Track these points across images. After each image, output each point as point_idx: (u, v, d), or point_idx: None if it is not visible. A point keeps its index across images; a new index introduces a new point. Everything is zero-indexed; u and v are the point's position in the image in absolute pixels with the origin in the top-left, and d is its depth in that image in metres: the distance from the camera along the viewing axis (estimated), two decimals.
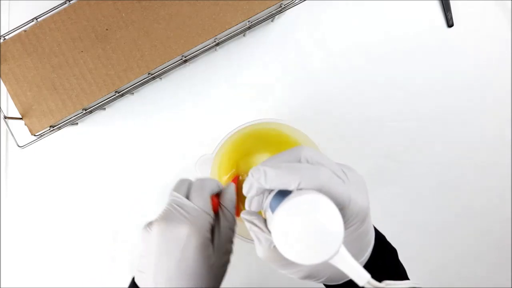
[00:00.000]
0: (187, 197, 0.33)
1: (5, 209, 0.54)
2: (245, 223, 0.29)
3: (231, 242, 0.34)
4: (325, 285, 0.32)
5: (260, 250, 0.28)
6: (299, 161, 0.27)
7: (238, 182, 0.48)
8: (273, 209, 0.25)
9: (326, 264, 0.23)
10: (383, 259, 0.31)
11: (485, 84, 0.56)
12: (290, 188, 0.25)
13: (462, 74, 0.56)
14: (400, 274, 0.32)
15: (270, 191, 0.27)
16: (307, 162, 0.27)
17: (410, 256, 0.56)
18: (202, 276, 0.31)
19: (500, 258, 0.55)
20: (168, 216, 0.31)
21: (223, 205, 0.35)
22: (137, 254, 0.33)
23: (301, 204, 0.23)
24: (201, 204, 0.32)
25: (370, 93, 0.55)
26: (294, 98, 0.55)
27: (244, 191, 0.27)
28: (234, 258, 0.53)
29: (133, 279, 0.33)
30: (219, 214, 0.34)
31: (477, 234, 0.55)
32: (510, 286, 0.54)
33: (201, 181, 0.34)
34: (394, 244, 0.34)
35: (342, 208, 0.26)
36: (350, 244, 0.27)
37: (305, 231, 0.22)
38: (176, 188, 0.34)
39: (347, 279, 0.30)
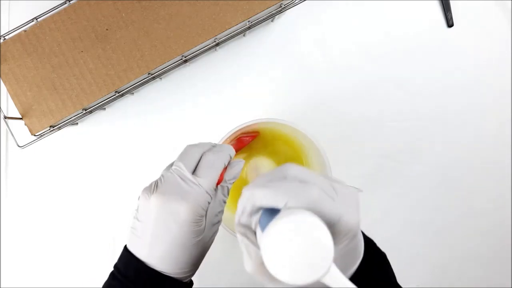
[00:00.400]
0: (195, 169, 0.32)
1: (5, 209, 0.54)
2: (237, 235, 0.28)
3: (221, 212, 0.35)
4: None
5: (249, 264, 0.27)
6: (287, 179, 0.27)
7: (240, 142, 0.47)
8: (262, 226, 0.24)
9: (316, 283, 0.23)
10: (374, 268, 0.31)
11: (485, 84, 0.56)
12: (278, 207, 0.25)
13: (462, 74, 0.56)
14: (389, 280, 0.32)
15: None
16: (296, 179, 0.27)
17: (410, 256, 0.56)
18: (193, 247, 0.32)
19: (500, 258, 0.55)
20: (169, 190, 0.31)
21: (226, 181, 0.35)
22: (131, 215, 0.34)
23: (290, 224, 0.22)
24: (206, 185, 0.32)
25: (370, 93, 0.55)
26: (294, 98, 0.55)
27: (238, 213, 0.27)
28: (234, 258, 0.53)
29: (125, 246, 0.34)
30: (218, 187, 0.34)
31: (477, 234, 0.55)
32: (510, 286, 0.54)
33: (215, 156, 0.33)
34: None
35: (332, 225, 0.25)
36: (340, 259, 0.27)
37: (295, 251, 0.22)
38: (184, 158, 0.33)
39: None
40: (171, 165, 0.34)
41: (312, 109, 0.55)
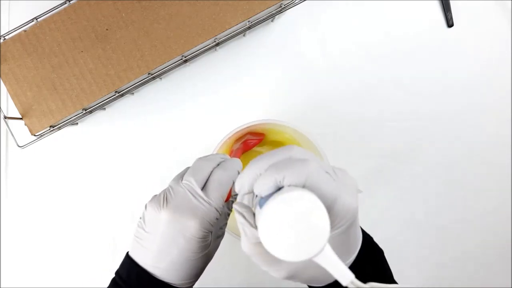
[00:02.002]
0: (204, 185, 0.33)
1: (5, 209, 0.54)
2: (235, 214, 0.29)
3: (225, 225, 0.36)
4: (309, 286, 0.32)
5: (246, 244, 0.28)
6: (290, 159, 0.27)
7: (246, 145, 0.47)
8: (261, 206, 0.25)
9: (310, 264, 0.23)
10: (371, 261, 0.31)
11: (485, 84, 0.56)
12: (277, 184, 0.25)
13: (462, 74, 0.56)
14: (387, 277, 0.32)
15: None
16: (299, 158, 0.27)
17: (410, 256, 0.56)
18: (198, 260, 0.33)
19: (500, 258, 0.55)
20: (180, 205, 0.32)
21: (232, 196, 0.35)
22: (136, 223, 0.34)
23: (288, 201, 0.23)
24: (216, 202, 0.32)
25: (370, 93, 0.55)
26: (294, 98, 0.55)
27: (236, 189, 0.28)
28: (233, 258, 0.53)
29: (128, 253, 0.34)
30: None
31: (477, 234, 0.55)
32: (510, 286, 0.54)
33: (224, 174, 0.33)
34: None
35: (329, 205, 0.25)
36: (337, 245, 0.27)
37: (291, 227, 0.22)
38: (195, 173, 0.33)
39: (331, 281, 0.30)
40: (180, 176, 0.34)
41: (312, 109, 0.55)
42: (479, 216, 0.55)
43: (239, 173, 0.35)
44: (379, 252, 0.33)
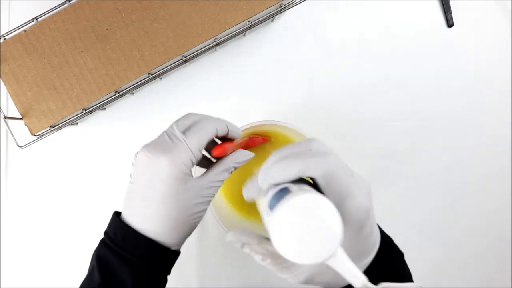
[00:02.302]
0: (184, 131, 0.32)
1: (5, 209, 0.54)
2: (236, 244, 0.29)
3: (211, 194, 0.33)
4: None
5: (259, 258, 0.28)
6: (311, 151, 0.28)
7: (251, 140, 0.47)
8: (272, 207, 0.25)
9: (325, 268, 0.23)
10: (390, 263, 0.31)
11: (485, 84, 0.56)
12: (296, 173, 0.26)
13: (462, 74, 0.56)
14: (406, 278, 0.32)
15: (271, 188, 0.27)
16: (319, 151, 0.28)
17: (410, 256, 0.56)
18: (178, 211, 0.31)
19: (500, 258, 0.55)
20: (154, 146, 0.31)
21: (227, 163, 0.34)
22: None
23: (300, 203, 0.23)
24: (190, 142, 0.31)
25: (370, 93, 0.55)
26: (294, 98, 0.55)
27: (260, 180, 0.28)
28: (234, 258, 0.53)
29: (114, 212, 0.34)
30: (217, 160, 0.34)
31: (477, 234, 0.55)
32: (510, 286, 0.54)
33: (208, 121, 0.32)
34: None
35: (343, 200, 0.26)
36: (351, 246, 0.27)
37: (303, 230, 0.22)
38: (178, 121, 0.33)
39: (347, 284, 0.30)
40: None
41: (312, 109, 0.55)
42: (479, 216, 0.55)
43: (227, 127, 0.34)
44: (399, 254, 0.33)
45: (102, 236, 0.35)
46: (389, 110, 0.55)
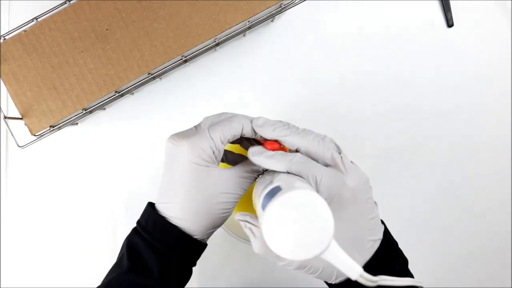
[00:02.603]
0: (211, 125, 0.33)
1: (5, 209, 0.54)
2: (240, 223, 0.29)
3: (238, 182, 0.33)
4: (327, 284, 0.32)
5: (256, 245, 0.29)
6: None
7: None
8: (264, 207, 0.25)
9: (319, 258, 0.23)
10: (390, 262, 0.31)
11: (485, 84, 0.56)
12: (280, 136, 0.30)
13: (462, 74, 0.56)
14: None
15: (264, 188, 0.28)
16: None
17: (410, 256, 0.56)
18: (200, 197, 0.31)
19: (500, 258, 0.55)
20: (180, 133, 0.33)
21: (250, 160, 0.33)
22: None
23: (289, 200, 0.23)
24: (212, 131, 0.31)
25: (370, 93, 0.55)
26: (294, 98, 0.55)
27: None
28: (234, 258, 0.53)
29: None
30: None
31: (477, 234, 0.55)
32: (510, 287, 0.54)
33: (232, 119, 0.32)
34: None
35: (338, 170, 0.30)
36: (358, 220, 0.28)
37: (295, 226, 0.22)
38: (209, 116, 0.34)
39: (343, 278, 0.30)
40: None
41: (312, 108, 0.55)
42: (479, 216, 0.55)
43: (254, 130, 0.33)
44: (403, 260, 0.33)
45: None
46: (389, 110, 0.55)
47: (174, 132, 0.33)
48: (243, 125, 0.32)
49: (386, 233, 0.32)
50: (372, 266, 0.29)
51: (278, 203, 0.23)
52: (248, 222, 0.29)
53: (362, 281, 0.23)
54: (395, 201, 0.55)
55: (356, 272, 0.23)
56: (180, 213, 0.32)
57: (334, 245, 0.23)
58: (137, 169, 0.54)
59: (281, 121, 0.32)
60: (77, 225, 0.54)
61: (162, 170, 0.33)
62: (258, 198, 0.28)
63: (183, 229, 0.32)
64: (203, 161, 0.31)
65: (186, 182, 0.31)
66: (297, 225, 0.22)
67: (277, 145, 0.32)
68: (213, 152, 0.32)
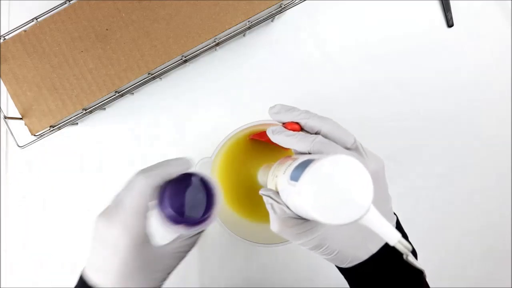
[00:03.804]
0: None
1: (5, 209, 0.54)
2: (263, 198, 0.30)
3: (173, 259, 0.34)
4: (338, 268, 0.33)
5: (275, 223, 0.29)
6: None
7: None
8: (296, 178, 0.24)
9: (337, 232, 0.23)
10: (405, 276, 0.31)
11: (485, 84, 0.56)
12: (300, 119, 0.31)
13: (462, 74, 0.56)
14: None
15: (289, 165, 0.28)
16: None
17: None
18: (138, 276, 0.31)
19: (500, 258, 0.55)
20: (107, 213, 0.31)
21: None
22: None
23: (328, 165, 0.22)
24: (130, 205, 0.30)
25: (370, 93, 0.55)
26: (294, 98, 0.55)
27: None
28: (234, 258, 0.53)
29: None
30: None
31: (477, 234, 0.55)
32: (510, 287, 0.54)
33: (141, 178, 0.31)
34: None
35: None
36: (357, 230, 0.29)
37: (336, 191, 0.22)
38: (127, 180, 0.32)
39: (356, 263, 0.30)
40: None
41: (312, 108, 0.54)
42: (479, 216, 0.55)
43: (162, 178, 0.32)
44: (414, 253, 0.33)
45: None
46: (389, 110, 0.55)
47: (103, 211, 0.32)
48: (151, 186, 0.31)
49: (398, 223, 0.32)
50: (385, 254, 0.30)
51: (317, 167, 0.22)
52: (271, 198, 0.29)
53: (399, 246, 0.23)
54: (395, 201, 0.55)
55: (394, 238, 0.23)
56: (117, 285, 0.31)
57: (374, 210, 0.23)
58: (137, 169, 0.54)
59: (297, 107, 0.32)
60: (77, 225, 0.54)
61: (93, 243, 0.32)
62: (282, 175, 0.28)
63: None
64: (140, 239, 0.30)
65: (122, 265, 0.30)
66: (338, 189, 0.22)
67: (298, 126, 0.32)
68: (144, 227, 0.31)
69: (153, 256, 0.32)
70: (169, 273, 0.33)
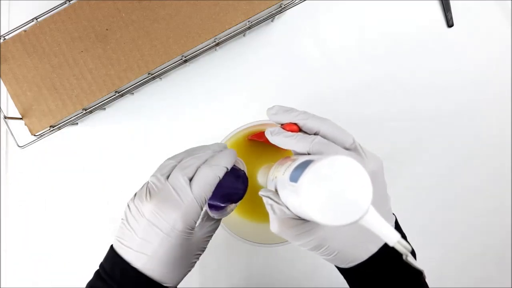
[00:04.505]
0: (191, 179, 0.32)
1: (5, 209, 0.54)
2: (263, 199, 0.30)
3: (210, 234, 0.37)
4: (338, 268, 0.33)
5: (275, 223, 0.29)
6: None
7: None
8: (295, 179, 0.24)
9: (337, 232, 0.23)
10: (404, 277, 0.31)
11: (485, 84, 0.56)
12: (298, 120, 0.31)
13: (462, 74, 0.56)
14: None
15: (289, 166, 0.28)
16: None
17: None
18: (182, 257, 0.32)
19: (500, 258, 0.55)
20: (163, 199, 0.31)
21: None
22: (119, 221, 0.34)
23: (327, 166, 0.22)
24: (198, 195, 0.31)
25: (370, 93, 0.55)
26: (294, 98, 0.55)
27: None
28: (234, 258, 0.53)
29: (112, 247, 0.33)
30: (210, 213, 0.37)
31: (477, 234, 0.55)
32: (510, 287, 0.54)
33: (210, 172, 0.32)
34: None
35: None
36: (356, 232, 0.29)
37: (335, 192, 0.22)
38: (182, 167, 0.33)
39: (356, 263, 0.30)
40: (160, 170, 0.33)
41: (312, 108, 0.54)
42: (479, 216, 0.55)
43: (227, 169, 0.34)
44: (413, 253, 0.32)
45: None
46: (389, 110, 0.55)
47: (139, 191, 0.33)
48: (219, 176, 0.33)
49: (397, 224, 0.32)
50: (385, 254, 0.30)
51: (317, 168, 0.22)
52: (270, 198, 0.29)
53: (398, 247, 0.23)
54: (395, 201, 0.54)
55: (394, 238, 0.23)
56: (158, 268, 0.31)
57: (373, 211, 0.23)
58: (137, 169, 0.54)
59: (295, 108, 0.33)
60: (77, 225, 0.54)
61: (130, 219, 0.32)
62: (282, 175, 0.28)
63: (154, 279, 0.32)
64: (189, 229, 0.32)
65: (169, 247, 0.31)
66: (337, 190, 0.22)
67: (296, 127, 0.33)
68: (198, 214, 0.32)
69: (194, 241, 0.33)
70: (199, 256, 0.35)
